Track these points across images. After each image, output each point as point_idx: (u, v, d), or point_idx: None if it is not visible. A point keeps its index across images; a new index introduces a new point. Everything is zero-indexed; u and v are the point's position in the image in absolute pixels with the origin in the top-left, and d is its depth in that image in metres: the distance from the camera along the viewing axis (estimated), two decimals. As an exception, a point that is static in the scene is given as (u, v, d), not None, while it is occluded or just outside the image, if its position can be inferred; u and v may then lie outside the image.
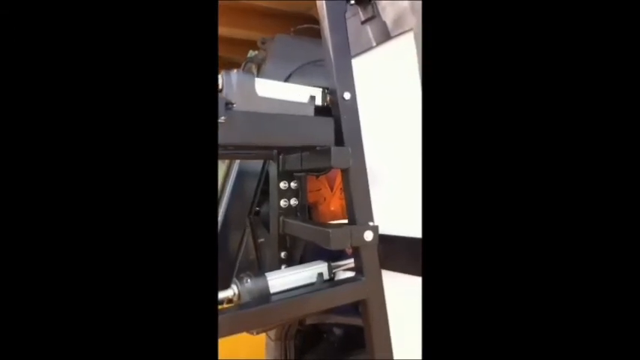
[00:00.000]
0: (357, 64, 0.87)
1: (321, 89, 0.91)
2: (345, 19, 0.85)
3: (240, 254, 1.43)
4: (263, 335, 1.58)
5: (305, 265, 0.93)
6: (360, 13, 0.83)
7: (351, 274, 0.88)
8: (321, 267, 0.90)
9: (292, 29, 1.53)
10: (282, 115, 0.80)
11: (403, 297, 0.83)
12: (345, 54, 0.84)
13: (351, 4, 0.84)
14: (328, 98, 0.90)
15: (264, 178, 1.42)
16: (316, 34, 1.74)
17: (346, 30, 0.84)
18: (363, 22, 0.81)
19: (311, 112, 0.87)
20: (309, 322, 1.47)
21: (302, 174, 1.12)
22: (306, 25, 1.59)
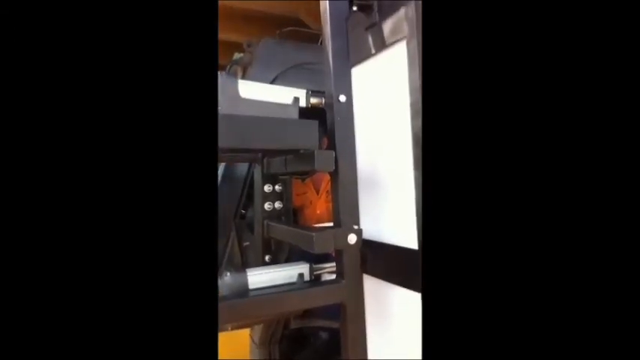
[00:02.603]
0: (358, 72, 0.87)
1: (304, 91, 0.90)
2: (346, 23, 0.86)
3: (225, 258, 1.41)
4: (248, 339, 1.57)
5: (287, 264, 0.93)
6: (363, 20, 0.84)
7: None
8: (302, 267, 0.90)
9: (277, 32, 1.53)
10: (265, 118, 0.80)
11: (385, 304, 0.83)
12: (344, 57, 0.85)
13: (354, 11, 0.85)
14: (323, 101, 0.91)
15: (249, 181, 1.41)
16: (302, 37, 1.74)
17: (347, 34, 0.86)
18: (366, 29, 0.82)
19: (295, 114, 0.87)
20: (294, 326, 1.46)
21: (287, 177, 1.11)
22: (291, 28, 1.59)
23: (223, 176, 1.41)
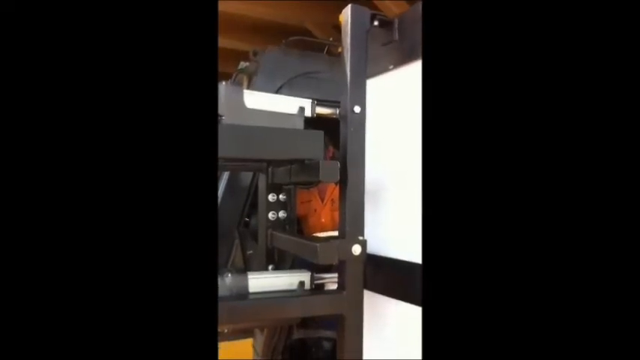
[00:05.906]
0: (371, 85, 0.88)
1: (310, 100, 0.90)
2: (366, 37, 0.87)
3: (229, 265, 1.41)
4: (250, 350, 1.56)
5: (288, 271, 0.93)
6: (382, 35, 0.86)
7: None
8: (304, 275, 0.89)
9: (283, 41, 1.53)
10: (271, 129, 0.80)
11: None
12: (362, 70, 0.87)
13: (374, 26, 0.87)
14: (336, 111, 0.91)
15: (253, 189, 1.41)
16: (307, 46, 1.74)
17: (366, 48, 0.87)
18: (384, 44, 0.83)
19: (301, 124, 0.87)
20: (297, 336, 1.45)
21: (291, 186, 1.11)
22: (297, 37, 1.60)
23: (227, 184, 1.40)
